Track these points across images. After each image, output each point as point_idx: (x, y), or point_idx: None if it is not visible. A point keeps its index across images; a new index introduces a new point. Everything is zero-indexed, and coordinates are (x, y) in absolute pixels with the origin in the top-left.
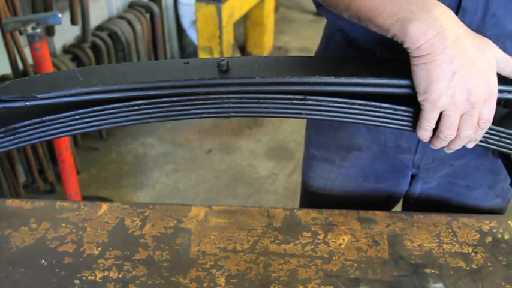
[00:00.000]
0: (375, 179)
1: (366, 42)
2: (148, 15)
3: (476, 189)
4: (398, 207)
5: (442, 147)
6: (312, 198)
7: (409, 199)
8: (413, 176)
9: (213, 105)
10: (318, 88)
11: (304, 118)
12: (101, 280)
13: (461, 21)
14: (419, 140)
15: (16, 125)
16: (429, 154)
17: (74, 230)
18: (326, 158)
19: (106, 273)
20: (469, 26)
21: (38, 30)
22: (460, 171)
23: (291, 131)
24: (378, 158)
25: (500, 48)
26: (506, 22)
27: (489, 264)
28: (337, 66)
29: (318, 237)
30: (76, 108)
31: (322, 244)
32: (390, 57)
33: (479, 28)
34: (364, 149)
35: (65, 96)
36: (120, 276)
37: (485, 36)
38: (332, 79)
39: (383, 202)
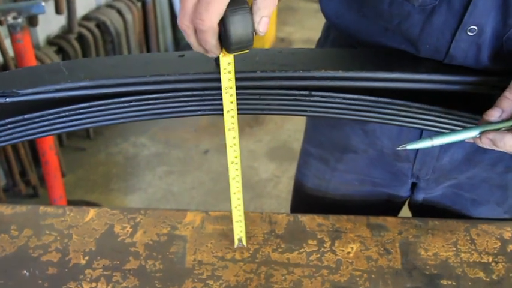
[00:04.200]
0: (372, 184)
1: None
2: (139, 4)
3: (483, 204)
4: (407, 213)
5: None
6: (305, 197)
7: (412, 206)
8: (414, 184)
9: (210, 102)
10: (324, 83)
11: (309, 116)
12: None
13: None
14: (418, 148)
15: None
16: (429, 164)
17: (58, 238)
18: (321, 156)
19: (94, 284)
20: None
21: (19, 20)
22: (465, 184)
23: (295, 130)
24: (374, 164)
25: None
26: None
27: (511, 275)
28: (344, 60)
29: (324, 245)
30: (61, 105)
31: (328, 253)
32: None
33: None
34: (360, 152)
35: (49, 91)
36: (109, 287)
37: None
38: (340, 73)
39: (383, 205)
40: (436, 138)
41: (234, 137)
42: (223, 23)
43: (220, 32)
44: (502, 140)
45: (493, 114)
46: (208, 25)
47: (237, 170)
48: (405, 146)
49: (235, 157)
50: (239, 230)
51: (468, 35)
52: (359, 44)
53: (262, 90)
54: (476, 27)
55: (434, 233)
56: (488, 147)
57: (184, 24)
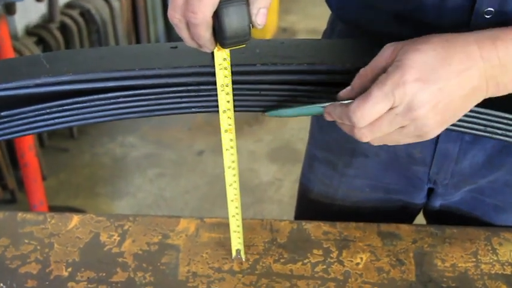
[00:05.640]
0: (385, 191)
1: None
2: None
3: (506, 211)
4: (422, 220)
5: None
6: (310, 204)
7: (428, 213)
8: (431, 189)
9: (205, 98)
10: (330, 77)
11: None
12: None
13: None
14: (435, 150)
15: None
16: (447, 168)
17: (38, 247)
18: (328, 160)
19: None
20: None
21: None
22: (486, 188)
23: (299, 128)
24: (387, 169)
25: None
26: None
27: None
28: (352, 51)
29: (331, 255)
30: (42, 101)
31: (335, 264)
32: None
33: None
34: (371, 155)
35: (28, 86)
36: None
37: None
38: (347, 67)
39: (397, 214)
40: (289, 109)
41: (231, 139)
42: (217, 16)
43: (214, 25)
44: (334, 112)
45: (343, 94)
46: (201, 18)
47: (234, 175)
48: (265, 113)
49: (233, 161)
50: (237, 242)
51: (485, 18)
52: (367, 35)
53: (263, 85)
54: (492, 9)
55: (451, 242)
56: (330, 119)
57: (175, 17)
